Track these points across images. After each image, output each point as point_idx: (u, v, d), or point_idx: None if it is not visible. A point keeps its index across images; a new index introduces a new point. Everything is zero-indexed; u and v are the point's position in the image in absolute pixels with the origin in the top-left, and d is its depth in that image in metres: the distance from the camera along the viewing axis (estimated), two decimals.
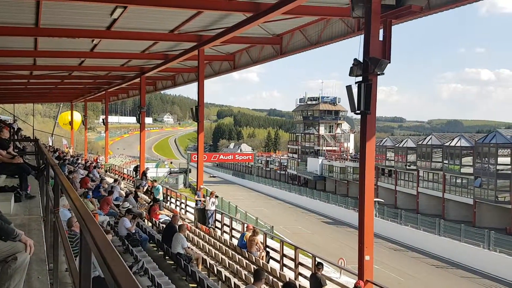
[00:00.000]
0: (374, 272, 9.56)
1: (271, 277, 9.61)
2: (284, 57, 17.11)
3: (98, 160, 37.36)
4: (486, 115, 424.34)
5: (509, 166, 35.68)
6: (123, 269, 1.50)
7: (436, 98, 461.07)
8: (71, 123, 43.32)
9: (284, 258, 12.24)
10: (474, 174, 39.17)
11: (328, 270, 13.92)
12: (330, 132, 77.17)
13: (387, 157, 53.26)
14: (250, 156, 78.39)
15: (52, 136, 46.36)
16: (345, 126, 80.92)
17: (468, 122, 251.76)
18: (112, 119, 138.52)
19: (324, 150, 74.29)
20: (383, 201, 42.53)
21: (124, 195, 15.55)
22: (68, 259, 3.56)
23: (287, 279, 9.56)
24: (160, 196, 17.23)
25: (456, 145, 42.18)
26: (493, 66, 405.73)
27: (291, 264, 11.82)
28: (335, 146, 74.86)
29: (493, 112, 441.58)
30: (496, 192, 36.62)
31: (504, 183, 36.10)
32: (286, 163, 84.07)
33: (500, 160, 36.83)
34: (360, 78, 9.39)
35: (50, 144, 38.75)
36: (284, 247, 12.72)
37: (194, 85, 19.88)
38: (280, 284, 8.87)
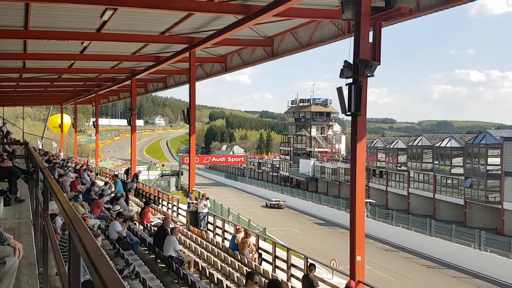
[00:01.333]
0: (365, 273, 9.60)
1: (263, 279, 9.61)
2: (276, 59, 17.14)
3: (88, 163, 37.10)
4: (476, 116, 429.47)
5: (499, 167, 36.05)
6: (112, 273, 1.49)
7: (426, 99, 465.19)
8: (61, 126, 42.99)
9: (276, 259, 12.23)
10: (464, 175, 39.52)
11: (320, 271, 13.95)
12: (321, 134, 77.56)
13: (378, 158, 53.61)
14: (242, 158, 78.44)
15: (42, 139, 45.95)
16: (337, 127, 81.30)
17: (458, 123, 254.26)
18: (102, 121, 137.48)
19: (316, 151, 74.65)
20: (374, 201, 42.78)
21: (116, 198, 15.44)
22: (58, 263, 3.54)
23: (280, 279, 9.56)
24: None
25: (446, 146, 42.55)
26: (483, 67, 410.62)
27: (284, 265, 11.82)
28: (327, 148, 75.21)
29: (483, 113, 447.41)
30: (486, 192, 36.96)
31: (494, 183, 36.47)
32: (278, 165, 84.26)
33: (490, 160, 37.19)
34: (350, 80, 9.45)
35: (40, 147, 38.40)
36: (277, 248, 12.71)
37: (186, 87, 19.83)
38: None
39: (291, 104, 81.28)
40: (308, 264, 9.90)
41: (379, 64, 9.30)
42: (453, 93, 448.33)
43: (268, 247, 13.81)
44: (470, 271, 24.16)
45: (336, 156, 68.05)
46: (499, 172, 35.83)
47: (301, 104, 78.69)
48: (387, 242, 31.31)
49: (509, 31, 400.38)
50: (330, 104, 76.25)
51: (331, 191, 62.91)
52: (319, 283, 9.44)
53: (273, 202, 50.42)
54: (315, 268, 9.58)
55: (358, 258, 9.15)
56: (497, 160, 36.61)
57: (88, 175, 21.43)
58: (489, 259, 23.83)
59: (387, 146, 52.28)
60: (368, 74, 9.33)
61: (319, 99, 77.59)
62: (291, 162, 77.41)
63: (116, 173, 25.64)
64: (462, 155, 40.70)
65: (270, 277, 10.02)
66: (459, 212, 39.93)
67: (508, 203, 34.71)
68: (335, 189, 61.96)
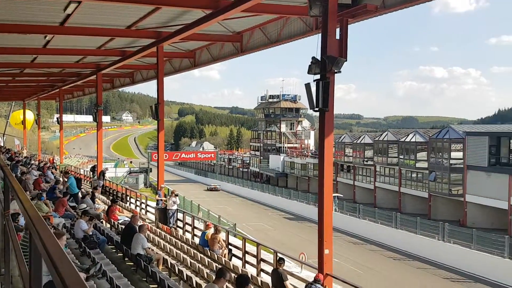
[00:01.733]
0: (333, 265, 9.78)
1: (233, 275, 9.63)
2: (245, 54, 17.12)
3: (54, 161, 36.01)
4: (440, 111, 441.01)
5: (462, 161, 37.39)
6: (73, 272, 1.46)
7: (392, 95, 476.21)
8: (23, 122, 41.47)
9: (246, 255, 12.29)
10: (428, 169, 40.78)
11: (289, 265, 14.08)
12: (291, 130, 78.36)
13: (345, 153, 54.60)
14: (212, 154, 78.07)
15: (3, 136, 44.24)
16: (306, 123, 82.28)
17: (422, 118, 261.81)
18: (67, 117, 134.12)
19: (285, 147, 75.36)
20: (342, 196, 43.58)
21: (81, 196, 15.09)
22: (19, 264, 3.43)
23: (250, 274, 9.62)
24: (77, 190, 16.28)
25: (411, 140, 43.79)
26: (446, 64, 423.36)
27: (254, 260, 11.89)
28: (296, 143, 76.09)
29: (447, 108, 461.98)
30: (449, 185, 38.26)
31: (457, 177, 37.77)
32: (248, 161, 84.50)
33: (453, 154, 38.51)
34: (318, 76, 9.54)
35: (2, 145, 36.97)
36: (247, 244, 12.76)
37: (154, 83, 19.53)
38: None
39: (261, 100, 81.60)
40: (278, 258, 9.99)
41: (346, 61, 9.43)
42: (417, 89, 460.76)
43: (238, 242, 13.86)
44: (434, 262, 24.98)
45: (305, 152, 68.89)
46: (462, 166, 37.17)
47: (270, 100, 79.15)
48: (354, 235, 31.97)
49: (471, 29, 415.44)
50: (299, 100, 77.03)
51: (301, 186, 63.67)
52: (288, 276, 9.54)
53: (211, 186, 65.10)
54: (284, 262, 9.67)
55: (326, 251, 9.30)
56: (459, 154, 37.95)
57: (52, 173, 20.81)
58: (452, 250, 24.69)
59: (354, 141, 53.31)
60: (335, 71, 9.45)
61: (288, 95, 78.28)
62: (261, 157, 77.81)
63: (67, 170, 24.69)
64: (426, 149, 41.99)
65: (240, 272, 10.06)
66: (423, 205, 41.22)
67: (470, 196, 36.07)
68: (305, 184, 62.74)
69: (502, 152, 35.25)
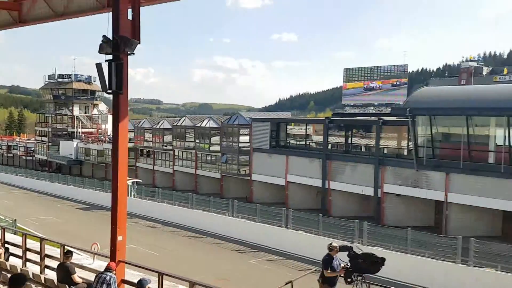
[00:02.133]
0: (130, 251, 9.65)
1: (9, 275, 8.49)
2: (24, 26, 14.93)
3: None
4: (232, 99, 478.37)
5: (248, 144, 41.81)
6: None
7: (189, 83, 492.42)
8: None
9: (28, 252, 11.01)
10: (221, 152, 44.30)
11: (80, 257, 13.30)
12: (86, 113, 73.22)
13: (145, 138, 54.40)
14: None
15: None
16: (103, 106, 77.84)
17: (216, 105, 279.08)
18: None
19: (79, 132, 70.25)
20: (141, 181, 43.32)
21: None
22: None
23: (31, 273, 8.66)
24: None
25: (206, 126, 46.72)
26: (237, 56, 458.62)
27: (37, 257, 10.75)
28: (92, 128, 71.66)
29: (237, 96, 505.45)
30: (238, 166, 42.43)
31: (245, 159, 42.23)
32: (34, 148, 75.42)
33: (242, 138, 42.85)
34: (110, 57, 9.10)
35: None
36: (28, 240, 11.43)
37: None
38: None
39: (48, 79, 73.41)
40: (65, 251, 9.29)
41: (139, 43, 9.26)
42: (212, 78, 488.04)
43: (19, 240, 12.30)
44: (225, 237, 27.14)
45: (102, 137, 65.54)
46: (249, 149, 41.58)
47: (60, 80, 72.05)
48: (154, 219, 32.14)
49: (258, 25, 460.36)
50: (94, 81, 72.31)
51: (97, 173, 60.45)
52: (78, 269, 8.98)
53: None
54: (72, 255, 9.06)
55: (120, 238, 9.08)
56: (247, 138, 42.45)
57: None
58: (240, 225, 27.23)
59: (154, 127, 53.46)
60: (129, 52, 9.18)
61: (82, 75, 72.71)
62: (50, 144, 70.54)
63: None
64: (219, 134, 45.38)
65: (19, 271, 8.96)
66: (217, 185, 44.55)
67: (255, 175, 40.73)
68: (102, 172, 59.79)
69: (281, 136, 41.15)
